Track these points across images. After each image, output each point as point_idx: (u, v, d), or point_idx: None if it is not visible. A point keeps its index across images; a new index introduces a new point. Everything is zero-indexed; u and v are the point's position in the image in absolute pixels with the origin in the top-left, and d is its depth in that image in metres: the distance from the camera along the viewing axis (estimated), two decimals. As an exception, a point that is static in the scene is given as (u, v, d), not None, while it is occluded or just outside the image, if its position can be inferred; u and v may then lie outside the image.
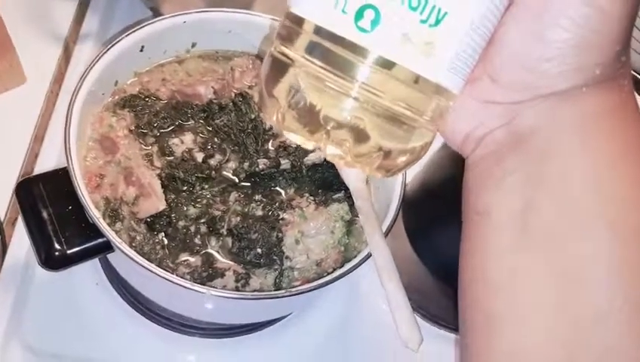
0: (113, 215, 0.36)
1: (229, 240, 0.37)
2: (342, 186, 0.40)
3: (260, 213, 0.39)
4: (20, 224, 0.44)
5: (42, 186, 0.36)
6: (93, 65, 0.38)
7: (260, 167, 0.40)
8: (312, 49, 0.20)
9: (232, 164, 0.40)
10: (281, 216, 0.39)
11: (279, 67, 0.22)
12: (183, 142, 0.40)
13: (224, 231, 0.37)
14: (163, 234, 0.36)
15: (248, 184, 0.40)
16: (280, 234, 0.38)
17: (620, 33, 0.19)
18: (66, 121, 0.35)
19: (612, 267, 0.19)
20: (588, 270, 0.19)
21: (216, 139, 0.41)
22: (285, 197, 0.41)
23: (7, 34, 0.47)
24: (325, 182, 0.41)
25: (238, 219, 0.38)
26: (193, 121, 0.41)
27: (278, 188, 0.41)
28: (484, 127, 0.22)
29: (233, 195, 0.39)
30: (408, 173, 0.42)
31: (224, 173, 0.40)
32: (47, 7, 0.55)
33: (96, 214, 0.33)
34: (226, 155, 0.41)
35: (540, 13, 0.19)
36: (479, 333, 0.21)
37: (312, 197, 0.40)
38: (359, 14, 0.19)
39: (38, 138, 0.49)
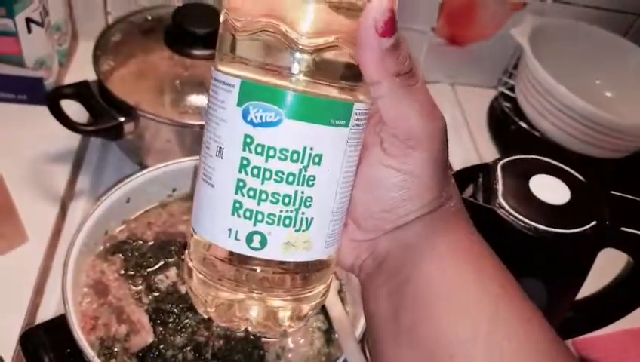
0: (108, 353, 0.40)
1: (215, 363, 0.40)
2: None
3: (241, 333, 0.42)
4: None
5: (43, 334, 0.40)
6: (85, 222, 0.43)
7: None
8: (215, 263, 0.27)
9: (214, 292, 0.44)
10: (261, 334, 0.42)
11: (189, 272, 0.28)
12: (168, 277, 0.44)
13: (209, 355, 0.40)
14: (154, 365, 0.40)
15: (231, 308, 0.44)
16: (262, 352, 0.41)
17: (431, 186, 0.26)
18: (63, 275, 0.40)
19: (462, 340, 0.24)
20: (445, 348, 0.24)
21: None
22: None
23: (11, 200, 0.53)
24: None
25: (222, 342, 0.41)
26: (177, 257, 0.46)
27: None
28: (359, 259, 0.29)
29: (217, 320, 0.43)
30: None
31: (207, 301, 0.44)
32: (44, 170, 0.62)
33: (91, 353, 0.37)
34: (208, 284, 0.45)
35: (373, 183, 0.26)
36: None
37: (289, 313, 0.44)
38: (249, 239, 0.25)
39: (39, 290, 0.53)
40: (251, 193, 0.24)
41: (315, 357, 0.43)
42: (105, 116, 0.56)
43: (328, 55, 0.24)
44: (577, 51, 0.79)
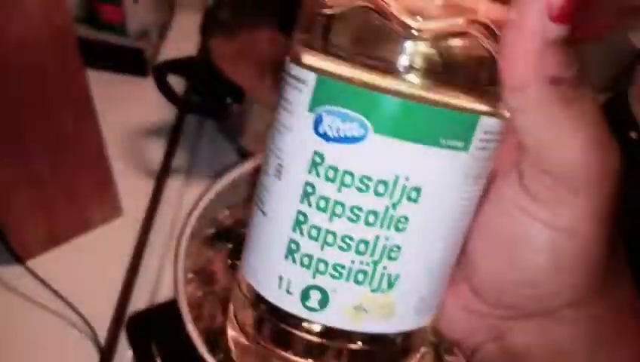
0: (212, 345, 0.38)
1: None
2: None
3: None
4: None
5: (151, 320, 0.39)
6: (196, 205, 0.42)
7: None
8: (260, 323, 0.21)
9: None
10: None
11: (231, 325, 0.22)
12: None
13: None
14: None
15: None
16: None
17: (599, 253, 0.18)
18: (175, 262, 0.39)
19: None
20: None
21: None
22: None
23: (111, 172, 0.52)
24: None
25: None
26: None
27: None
28: (474, 338, 0.20)
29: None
30: None
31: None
32: (140, 143, 0.61)
33: (202, 348, 0.35)
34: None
35: (512, 239, 0.18)
36: None
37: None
38: (305, 295, 0.19)
39: (134, 267, 0.52)
40: (314, 232, 0.18)
41: None
42: (212, 95, 0.54)
43: (451, 45, 0.17)
44: None
